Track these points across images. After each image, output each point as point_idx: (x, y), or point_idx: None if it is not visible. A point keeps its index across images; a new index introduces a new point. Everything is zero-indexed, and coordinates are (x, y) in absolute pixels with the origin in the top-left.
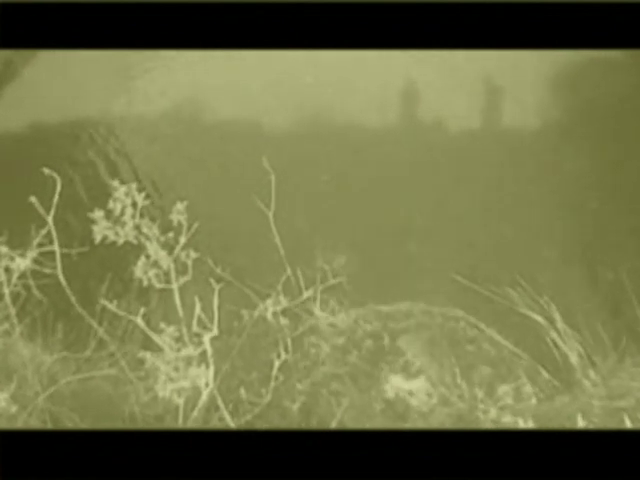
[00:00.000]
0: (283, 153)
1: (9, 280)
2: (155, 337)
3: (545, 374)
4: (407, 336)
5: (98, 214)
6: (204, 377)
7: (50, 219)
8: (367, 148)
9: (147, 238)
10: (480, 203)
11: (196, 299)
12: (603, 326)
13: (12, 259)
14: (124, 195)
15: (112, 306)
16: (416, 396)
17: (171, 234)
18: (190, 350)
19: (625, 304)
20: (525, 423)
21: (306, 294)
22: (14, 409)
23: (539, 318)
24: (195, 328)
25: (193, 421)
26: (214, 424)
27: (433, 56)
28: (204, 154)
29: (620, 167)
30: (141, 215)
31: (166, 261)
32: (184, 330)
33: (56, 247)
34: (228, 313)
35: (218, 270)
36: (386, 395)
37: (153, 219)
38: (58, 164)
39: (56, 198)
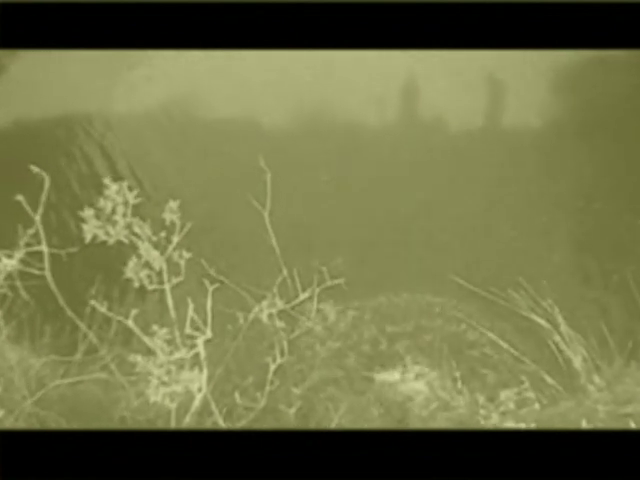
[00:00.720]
0: (280, 151)
1: None
2: (147, 340)
3: (548, 379)
4: (406, 340)
5: (88, 213)
6: (197, 381)
7: (38, 218)
8: (366, 147)
9: (139, 238)
10: (481, 203)
11: (189, 301)
12: (608, 329)
13: None
14: (115, 193)
15: (102, 308)
16: (415, 401)
17: (163, 233)
18: (183, 353)
19: (631, 306)
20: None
21: (303, 296)
22: (0, 413)
23: (542, 321)
24: (188, 330)
25: (185, 427)
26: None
27: (433, 55)
28: (198, 151)
29: (623, 166)
30: (133, 214)
31: (158, 261)
32: (177, 333)
33: (44, 247)
34: (222, 315)
35: (212, 271)
36: (384, 400)
37: (145, 218)
38: (46, 162)
39: (44, 197)
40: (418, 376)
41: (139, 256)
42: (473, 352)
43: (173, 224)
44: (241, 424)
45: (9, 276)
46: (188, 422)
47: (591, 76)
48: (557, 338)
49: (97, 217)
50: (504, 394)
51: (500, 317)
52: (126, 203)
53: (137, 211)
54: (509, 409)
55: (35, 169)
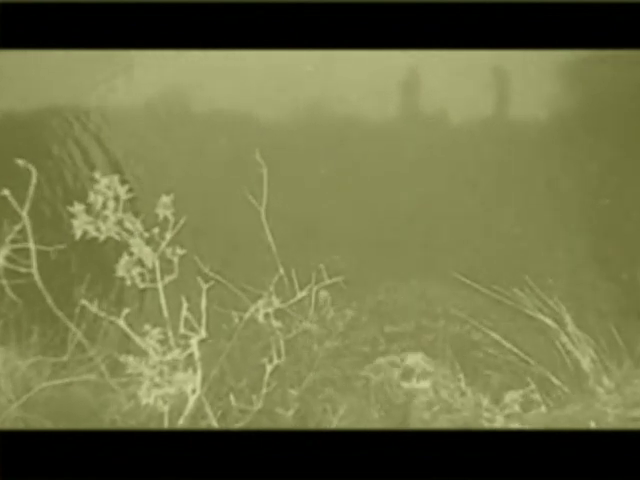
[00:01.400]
0: (277, 145)
1: None
2: (138, 340)
3: (555, 381)
4: (407, 340)
5: (78, 208)
6: (191, 383)
7: (25, 214)
8: (368, 141)
9: (130, 234)
10: (484, 199)
11: (183, 299)
12: (617, 329)
13: None
14: (106, 188)
15: (92, 307)
16: (416, 403)
17: (156, 230)
18: (176, 354)
19: None
20: None
21: (300, 295)
22: None
23: (549, 321)
24: (182, 330)
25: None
26: None
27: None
28: (192, 144)
29: (631, 163)
30: (124, 209)
31: (151, 259)
32: (170, 332)
33: (31, 244)
34: (217, 314)
35: (206, 269)
36: (384, 402)
37: (137, 213)
38: (34, 155)
39: (31, 191)
40: (419, 377)
41: (131, 253)
42: (476, 352)
43: (166, 220)
44: (236, 427)
45: None
46: (181, 425)
47: (601, 70)
48: (564, 338)
49: (87, 212)
50: (509, 396)
51: (505, 317)
52: (117, 198)
53: (129, 206)
54: (514, 411)
55: (21, 162)
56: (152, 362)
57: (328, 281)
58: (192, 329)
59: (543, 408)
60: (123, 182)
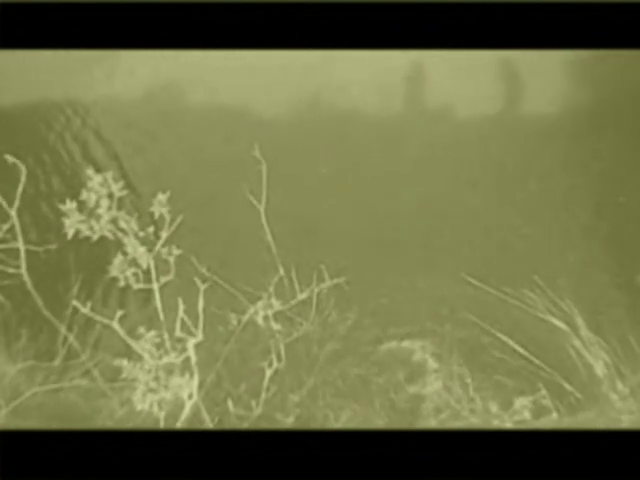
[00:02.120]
0: (277, 140)
1: None
2: (133, 343)
3: (567, 386)
4: (412, 343)
5: (70, 206)
6: (187, 388)
7: (14, 212)
8: (368, 137)
9: (125, 233)
10: (493, 198)
11: (179, 301)
12: (632, 333)
13: None
14: (99, 185)
15: (84, 309)
16: (423, 409)
17: (151, 229)
18: (172, 358)
19: None
20: None
21: (300, 296)
22: None
23: (560, 324)
24: (178, 333)
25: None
26: None
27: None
28: (189, 140)
29: None
30: (118, 207)
31: (146, 259)
32: (165, 336)
33: (20, 244)
34: (214, 317)
35: (203, 269)
36: (389, 408)
37: (131, 212)
38: (24, 151)
39: (20, 189)
40: (426, 383)
41: (125, 253)
42: (485, 357)
43: (162, 218)
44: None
45: None
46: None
47: (614, 67)
48: (577, 342)
49: (80, 211)
50: (519, 402)
51: (515, 319)
52: (111, 195)
53: (123, 204)
54: (524, 418)
55: (11, 159)
56: (147, 366)
57: (329, 282)
58: (189, 332)
59: (554, 414)
60: (117, 179)
